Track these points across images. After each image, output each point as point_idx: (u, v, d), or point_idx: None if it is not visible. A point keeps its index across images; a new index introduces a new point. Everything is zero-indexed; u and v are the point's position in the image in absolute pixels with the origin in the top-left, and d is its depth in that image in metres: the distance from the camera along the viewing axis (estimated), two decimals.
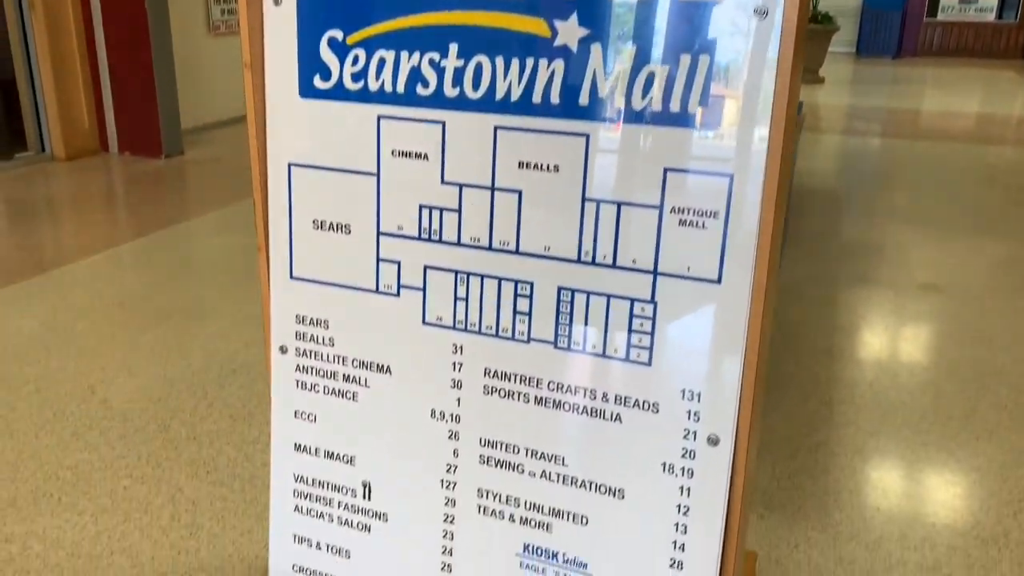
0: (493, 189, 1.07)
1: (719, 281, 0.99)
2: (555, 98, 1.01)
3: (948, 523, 1.67)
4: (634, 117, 0.98)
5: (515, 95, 1.03)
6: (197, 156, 5.11)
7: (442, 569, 1.20)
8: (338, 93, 1.12)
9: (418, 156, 1.10)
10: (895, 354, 2.54)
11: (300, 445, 1.25)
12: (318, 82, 1.13)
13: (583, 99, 1.00)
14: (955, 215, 4.18)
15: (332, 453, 1.23)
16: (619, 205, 1.01)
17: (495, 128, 1.05)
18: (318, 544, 1.27)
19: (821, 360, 2.43)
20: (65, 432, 1.96)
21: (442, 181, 1.09)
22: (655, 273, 1.02)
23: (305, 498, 1.27)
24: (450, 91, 1.06)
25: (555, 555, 1.14)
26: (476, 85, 1.05)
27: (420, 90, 1.07)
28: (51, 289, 2.93)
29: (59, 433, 1.96)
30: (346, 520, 1.25)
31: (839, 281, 3.13)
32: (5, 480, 1.77)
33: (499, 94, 1.04)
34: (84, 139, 4.95)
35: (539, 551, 1.15)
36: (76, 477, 1.78)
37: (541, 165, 1.04)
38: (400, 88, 1.08)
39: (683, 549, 1.07)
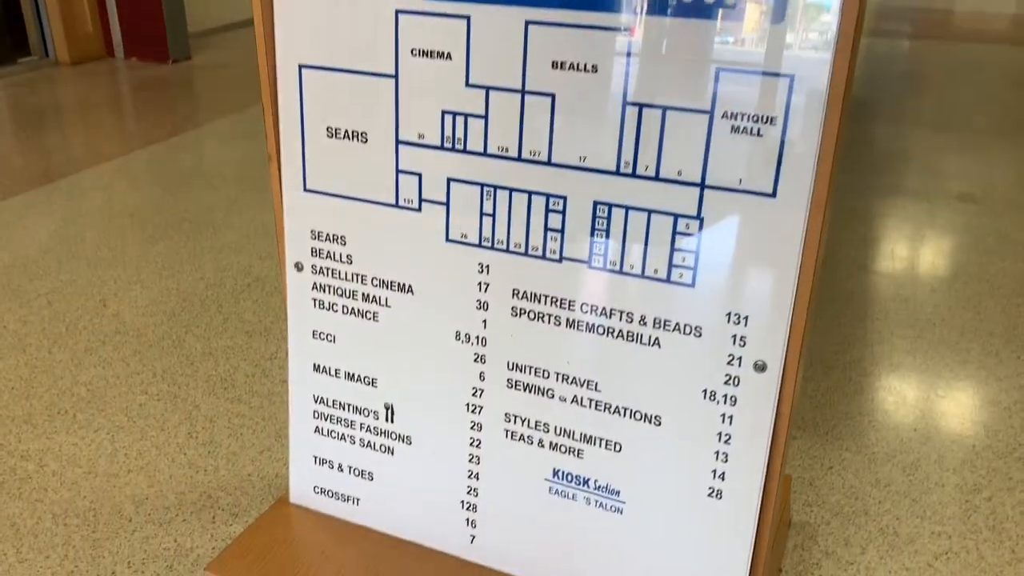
0: (523, 92, 0.97)
1: (774, 194, 0.90)
2: None
3: (988, 444, 1.61)
4: (684, 9, 0.88)
5: None
6: (205, 61, 4.95)
7: (468, 492, 1.16)
8: None
9: (440, 55, 1.00)
10: (931, 268, 2.44)
11: (319, 366, 1.20)
12: None
13: None
14: (991, 122, 4.00)
15: (353, 375, 1.18)
16: (664, 110, 0.92)
17: (526, 23, 0.94)
18: (340, 466, 1.23)
19: (854, 274, 2.34)
20: (78, 347, 1.92)
21: (467, 84, 1.00)
22: (702, 186, 0.93)
23: (326, 420, 1.22)
24: None
25: (586, 481, 1.09)
26: None
27: None
28: (59, 199, 2.86)
29: (72, 348, 1.92)
30: (368, 442, 1.20)
31: (871, 192, 3.02)
32: (19, 397, 1.73)
33: None
34: (88, 43, 4.80)
35: (569, 477, 1.10)
36: (91, 394, 1.74)
37: (577, 65, 0.94)
38: None
39: (723, 478, 1.01)
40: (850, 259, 2.44)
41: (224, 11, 5.63)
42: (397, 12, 1.00)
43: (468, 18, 0.97)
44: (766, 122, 0.88)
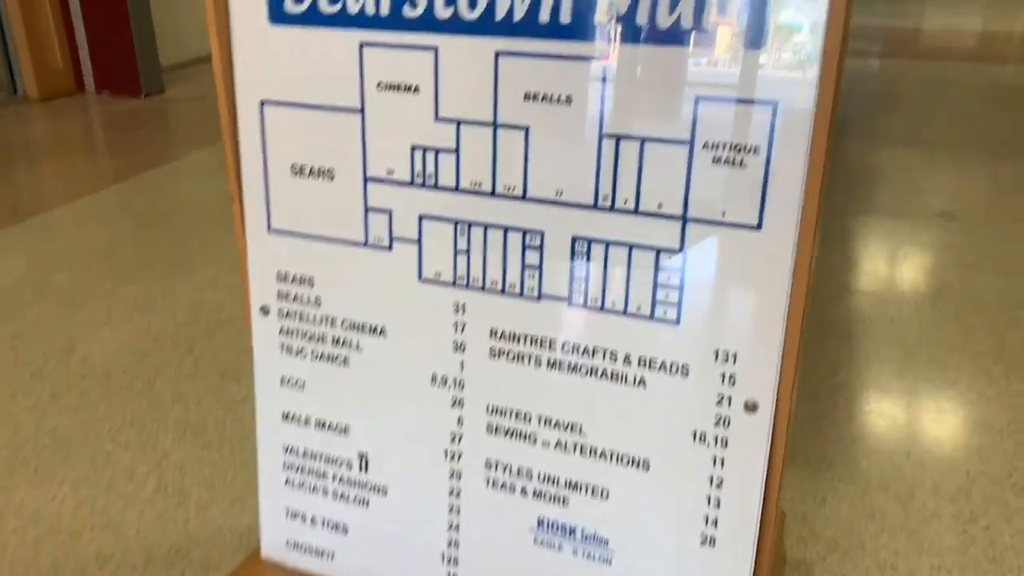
0: (496, 125, 0.93)
1: (759, 227, 0.86)
2: (565, 16, 0.86)
3: (983, 470, 1.57)
4: (660, 36, 0.84)
5: (518, 14, 0.88)
6: (179, 94, 4.90)
7: (449, 545, 1.10)
8: (313, 17, 0.97)
9: (408, 89, 0.96)
10: (916, 287, 2.42)
11: (289, 414, 1.14)
12: (290, 5, 0.98)
13: (599, 16, 0.85)
14: (964, 138, 4.02)
15: (324, 423, 1.12)
16: (643, 141, 0.88)
17: (496, 54, 0.91)
18: (312, 519, 1.17)
19: (838, 296, 2.32)
20: (43, 394, 1.85)
21: (436, 117, 0.95)
22: (684, 219, 0.88)
23: (297, 471, 1.16)
24: (442, 11, 0.91)
25: (572, 531, 1.03)
26: (473, 3, 0.90)
27: (407, 11, 0.93)
28: (27, 239, 2.78)
29: (37, 395, 1.84)
30: (342, 494, 1.14)
31: (849, 210, 3.00)
32: None
33: (499, 13, 0.89)
34: (58, 79, 4.73)
35: (555, 526, 1.04)
36: (55, 443, 1.67)
37: (551, 96, 0.90)
38: (384, 9, 0.94)
39: (716, 525, 0.96)
40: (832, 280, 2.42)
41: (197, 43, 5.59)
42: (362, 44, 0.96)
43: (435, 49, 0.93)
44: (749, 152, 0.84)
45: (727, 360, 0.91)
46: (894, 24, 7.90)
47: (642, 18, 0.84)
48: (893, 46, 6.86)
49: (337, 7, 0.96)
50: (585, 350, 0.97)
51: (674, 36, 0.83)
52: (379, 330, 1.06)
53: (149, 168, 3.56)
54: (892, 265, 2.59)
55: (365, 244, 1.03)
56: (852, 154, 3.76)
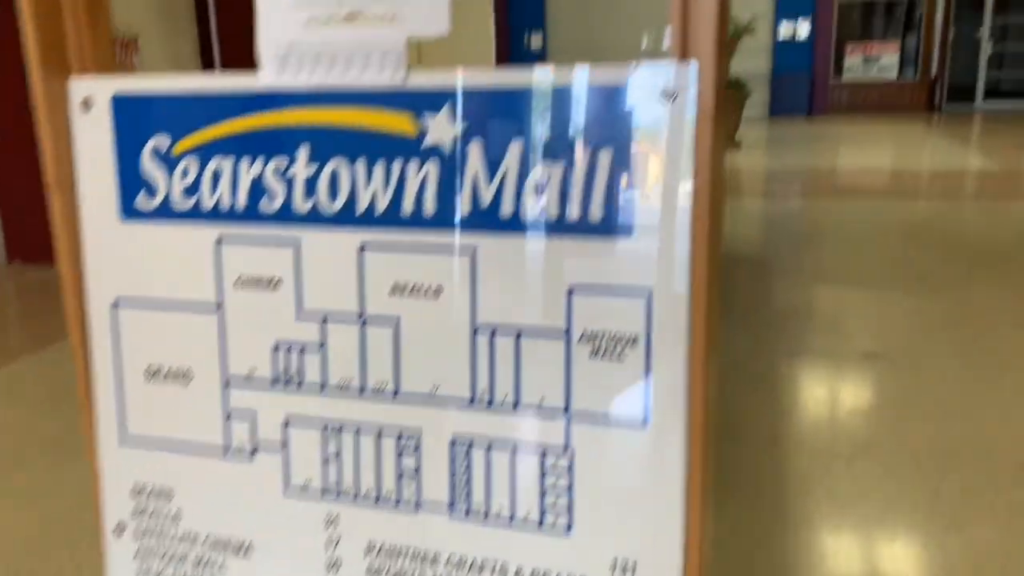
0: (363, 320, 0.86)
1: (646, 424, 0.79)
2: (429, 208, 0.82)
3: None
4: (527, 226, 0.79)
5: (381, 206, 0.83)
6: None
7: None
8: (167, 213, 0.91)
9: (268, 283, 0.89)
10: (846, 436, 2.37)
11: None
12: (142, 201, 0.92)
13: (464, 208, 0.81)
14: (884, 275, 4.12)
15: None
16: (518, 334, 0.82)
17: (360, 246, 0.85)
18: None
19: (766, 450, 2.25)
20: None
21: (300, 312, 0.88)
22: (568, 416, 0.81)
23: None
24: (302, 204, 0.86)
25: None
26: (333, 196, 0.85)
27: (265, 205, 0.87)
28: None
29: None
30: None
31: (775, 355, 2.99)
32: None
33: (361, 206, 0.84)
34: None
35: None
36: None
37: (419, 288, 0.84)
38: (241, 203, 0.88)
39: None
40: (759, 431, 2.36)
41: None
42: (219, 239, 0.90)
43: (297, 243, 0.87)
44: (628, 343, 0.78)
45: (626, 570, 0.82)
46: (810, 164, 8.31)
47: (507, 209, 0.79)
48: (812, 186, 7.17)
49: (192, 202, 0.90)
50: (472, 564, 0.87)
51: (540, 226, 0.79)
52: (245, 548, 0.94)
53: (56, 341, 3.40)
54: (820, 412, 2.55)
55: (226, 453, 0.93)
56: (775, 293, 3.81)
